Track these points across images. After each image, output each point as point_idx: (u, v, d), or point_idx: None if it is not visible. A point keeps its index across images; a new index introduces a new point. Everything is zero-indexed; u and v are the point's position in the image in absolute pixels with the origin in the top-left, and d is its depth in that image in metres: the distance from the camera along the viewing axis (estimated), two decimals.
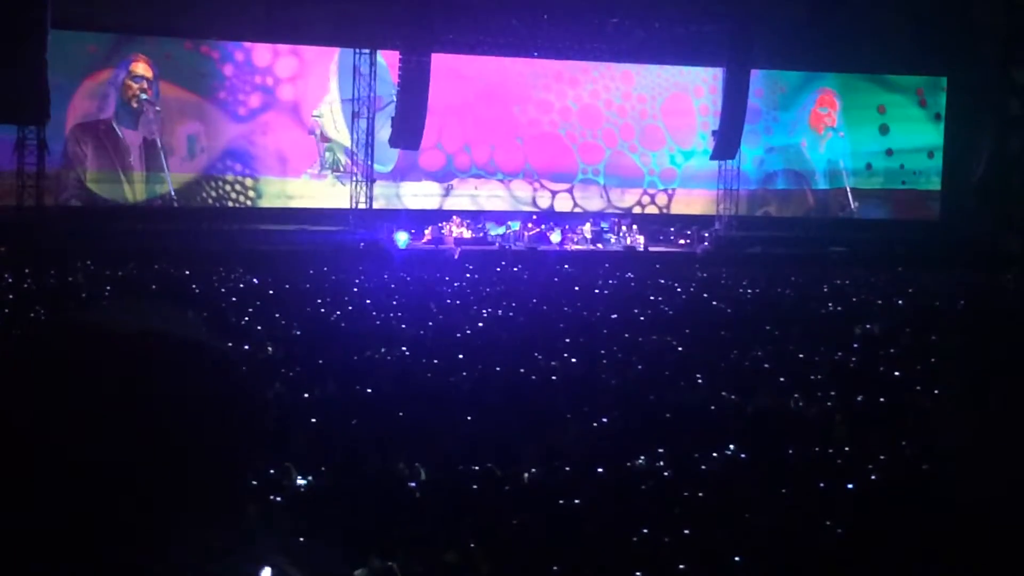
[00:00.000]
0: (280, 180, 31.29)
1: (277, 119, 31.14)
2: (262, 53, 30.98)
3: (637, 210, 34.18)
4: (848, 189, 35.66)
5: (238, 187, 30.89)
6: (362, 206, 30.71)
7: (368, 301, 19.99)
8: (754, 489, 9.64)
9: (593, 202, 33.93)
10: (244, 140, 30.81)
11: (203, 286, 21.01)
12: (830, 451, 11.00)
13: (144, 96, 29.60)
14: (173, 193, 30.11)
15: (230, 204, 30.72)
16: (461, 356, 14.71)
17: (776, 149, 35.15)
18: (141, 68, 29.55)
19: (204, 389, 1.37)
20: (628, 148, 34.21)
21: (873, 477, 10.06)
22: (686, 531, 8.55)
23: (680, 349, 16.34)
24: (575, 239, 31.34)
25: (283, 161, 31.22)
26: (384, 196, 31.56)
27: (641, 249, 30.87)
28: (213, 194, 30.68)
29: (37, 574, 1.26)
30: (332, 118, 31.58)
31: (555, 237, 31.15)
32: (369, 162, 30.98)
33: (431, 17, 29.31)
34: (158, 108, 29.72)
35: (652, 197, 34.53)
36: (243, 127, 30.78)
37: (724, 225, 33.16)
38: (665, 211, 34.51)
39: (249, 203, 30.91)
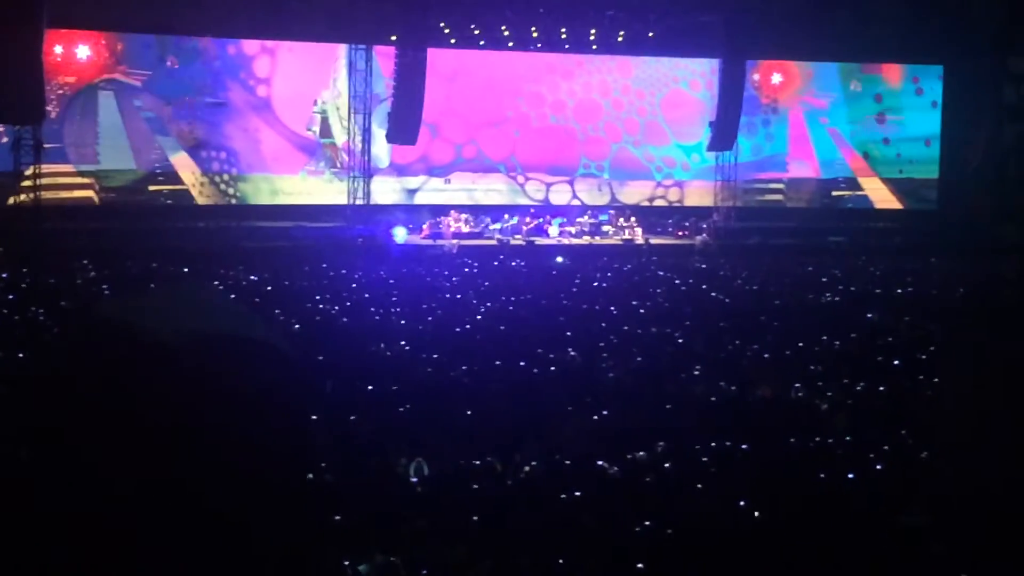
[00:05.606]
0: (278, 177, 31.26)
1: (275, 116, 31.07)
2: (258, 49, 30.90)
3: (645, 204, 34.13)
4: (846, 178, 35.62)
5: (234, 184, 30.85)
6: (360, 202, 30.71)
7: (367, 296, 19.97)
8: (755, 480, 9.64)
9: (596, 196, 33.86)
10: (241, 137, 30.75)
11: (202, 282, 20.98)
12: (830, 441, 10.99)
13: (138, 101, 29.61)
14: (168, 191, 30.07)
15: (227, 201, 30.69)
16: (460, 351, 14.69)
17: (775, 139, 35.11)
18: (133, 67, 29.54)
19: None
20: (632, 144, 34.14)
21: (878, 467, 10.06)
22: (688, 523, 8.55)
23: (680, 340, 16.34)
24: (573, 232, 31.31)
25: (280, 158, 31.17)
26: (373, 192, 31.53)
27: (640, 241, 30.84)
28: (210, 191, 30.64)
29: None
30: (338, 115, 31.53)
31: (553, 231, 31.14)
32: (366, 158, 30.96)
33: (427, 12, 29.28)
34: (152, 105, 29.70)
35: (666, 189, 34.49)
36: (240, 123, 30.72)
37: (722, 216, 33.14)
38: (677, 204, 34.46)
39: (244, 199, 30.85)
